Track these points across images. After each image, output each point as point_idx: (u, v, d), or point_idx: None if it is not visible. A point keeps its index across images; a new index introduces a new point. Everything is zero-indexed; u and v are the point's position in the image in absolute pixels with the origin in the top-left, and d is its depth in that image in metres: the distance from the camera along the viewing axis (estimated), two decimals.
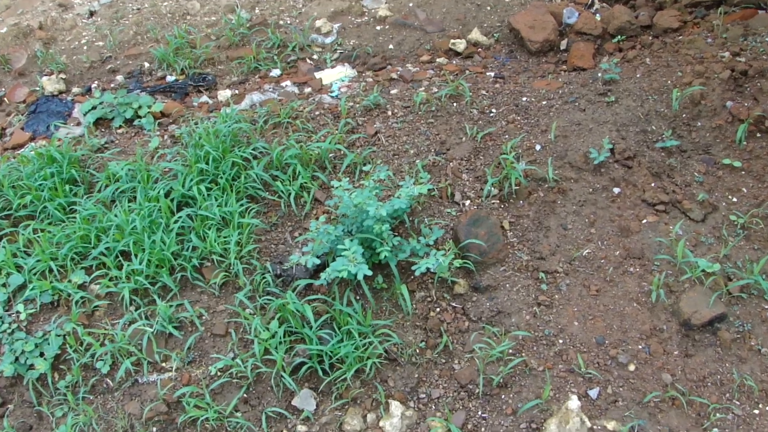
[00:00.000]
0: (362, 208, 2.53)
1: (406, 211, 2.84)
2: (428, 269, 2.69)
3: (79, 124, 3.22)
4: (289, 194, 3.19)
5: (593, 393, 2.23)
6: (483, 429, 2.20)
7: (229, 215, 2.96)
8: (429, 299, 2.75)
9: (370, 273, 2.32)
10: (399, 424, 2.10)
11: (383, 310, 2.69)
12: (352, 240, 2.48)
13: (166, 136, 3.88)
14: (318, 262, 2.51)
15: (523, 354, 2.42)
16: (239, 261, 2.85)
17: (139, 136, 3.26)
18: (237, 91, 4.05)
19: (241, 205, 3.04)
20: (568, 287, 2.97)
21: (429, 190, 3.16)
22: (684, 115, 2.82)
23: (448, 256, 2.57)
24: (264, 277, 2.79)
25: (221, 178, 3.03)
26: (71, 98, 3.35)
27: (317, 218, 3.27)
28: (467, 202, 3.13)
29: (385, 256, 2.57)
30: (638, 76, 3.02)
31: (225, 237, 2.88)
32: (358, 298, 2.70)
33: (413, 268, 2.44)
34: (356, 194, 2.54)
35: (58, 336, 2.40)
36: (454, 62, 3.44)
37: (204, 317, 2.68)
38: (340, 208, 2.65)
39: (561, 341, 2.53)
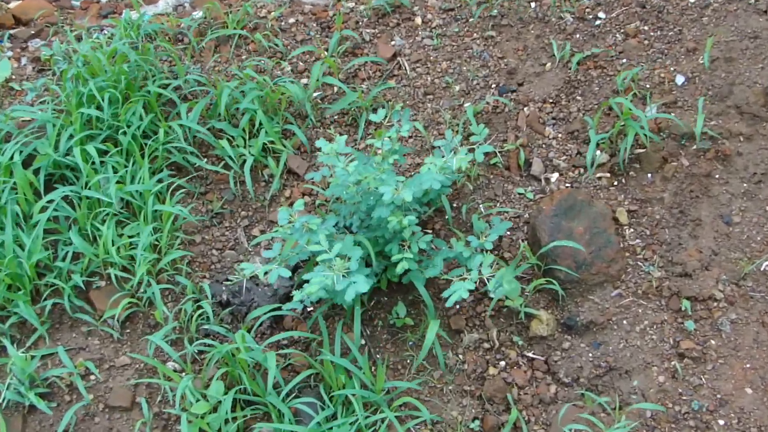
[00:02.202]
0: (369, 187, 2.52)
1: (446, 193, 2.93)
2: (482, 294, 2.85)
3: None
4: (243, 162, 3.37)
5: None
6: None
7: (139, 199, 3.04)
8: (487, 345, 2.80)
9: (366, 289, 2.21)
10: None
11: (406, 363, 2.75)
12: (348, 238, 2.45)
13: (24, 60, 3.71)
14: (286, 274, 2.43)
15: None
16: (155, 279, 2.89)
17: None
18: None
19: (160, 181, 3.14)
20: (733, 326, 2.84)
21: (487, 155, 3.30)
22: None
23: (516, 269, 2.67)
24: (199, 307, 2.83)
25: (123, 134, 3.08)
26: None
27: (291, 204, 3.32)
28: (554, 177, 3.26)
29: (407, 271, 2.64)
30: None
31: (131, 237, 2.92)
32: (364, 342, 2.75)
33: (455, 291, 2.38)
34: (359, 164, 2.53)
35: None
36: None
37: (93, 377, 2.66)
38: (332, 186, 2.62)
39: (722, 421, 2.53)
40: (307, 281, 2.77)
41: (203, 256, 3.19)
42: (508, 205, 3.22)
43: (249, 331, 2.77)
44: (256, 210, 3.32)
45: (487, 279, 2.52)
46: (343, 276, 2.27)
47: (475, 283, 2.49)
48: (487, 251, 2.93)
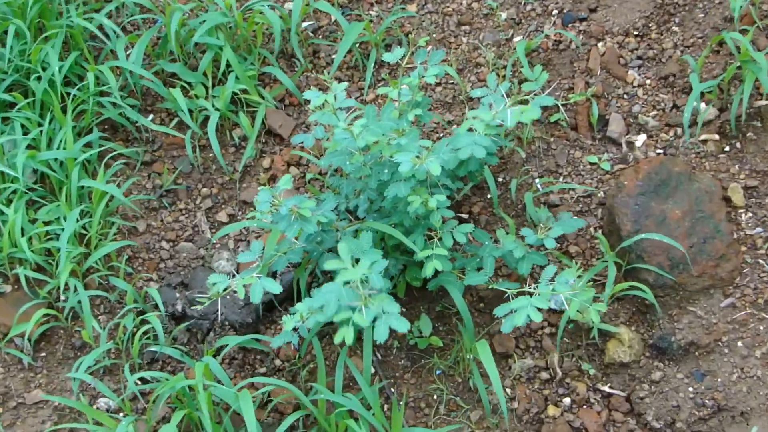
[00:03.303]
0: (382, 155, 2.57)
1: (492, 164, 2.96)
2: (543, 310, 2.63)
3: None
4: (205, 120, 3.39)
5: None
6: None
7: (60, 171, 3.12)
8: (545, 375, 2.90)
9: (404, 329, 2.21)
10: None
11: (432, 401, 2.85)
12: (359, 233, 2.55)
13: None
14: (277, 289, 2.42)
15: None
16: (82, 282, 2.94)
17: None
18: None
19: (89, 146, 3.23)
20: None
21: (546, 110, 3.31)
22: None
23: (586, 273, 2.74)
24: (144, 322, 2.90)
25: (36, 80, 3.20)
26: None
27: (271, 178, 3.31)
28: (639, 140, 3.22)
29: (436, 273, 2.69)
30: None
31: (48, 224, 3.01)
32: (374, 370, 2.86)
33: (519, 310, 2.39)
34: (367, 122, 2.54)
35: None
36: None
37: None
38: (328, 154, 2.68)
39: None
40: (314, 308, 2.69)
41: (149, 251, 3.13)
42: (575, 180, 3.14)
43: (215, 356, 2.76)
44: (223, 186, 3.27)
45: (567, 302, 2.44)
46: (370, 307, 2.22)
47: (549, 301, 2.42)
48: (548, 250, 2.80)
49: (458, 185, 2.97)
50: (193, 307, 2.80)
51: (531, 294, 2.42)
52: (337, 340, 2.20)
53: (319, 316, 2.34)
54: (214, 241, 3.12)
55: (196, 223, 3.19)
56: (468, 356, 2.81)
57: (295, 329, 2.69)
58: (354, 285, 2.24)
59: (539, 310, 2.35)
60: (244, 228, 3.14)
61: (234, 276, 2.50)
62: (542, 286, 2.45)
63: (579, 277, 2.66)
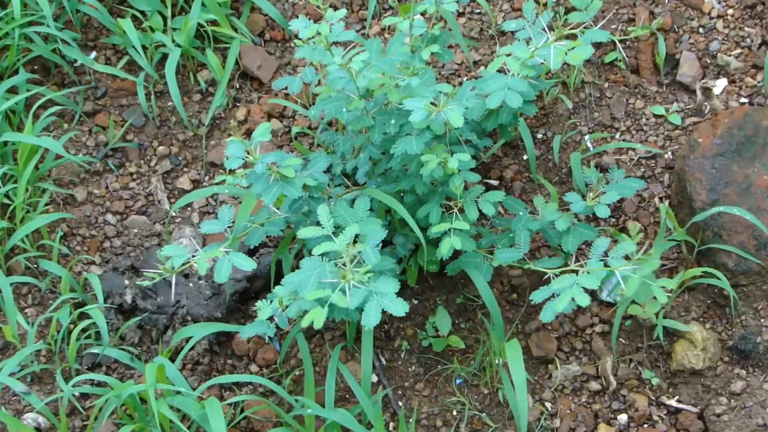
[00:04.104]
0: (388, 102, 2.64)
1: (529, 115, 2.98)
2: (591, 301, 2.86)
3: None
4: (163, 59, 3.40)
5: None
6: None
7: None
8: (596, 384, 2.94)
9: (402, 311, 2.31)
10: None
11: (450, 417, 2.88)
12: (361, 200, 2.54)
13: None
14: (249, 266, 2.48)
15: None
16: (3, 266, 2.99)
17: None
18: None
19: (13, 91, 3.24)
20: None
21: (598, 48, 3.35)
22: None
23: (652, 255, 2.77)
24: (83, 316, 2.94)
25: None
26: None
27: (247, 132, 3.38)
28: (719, 86, 3.24)
29: (456, 253, 2.73)
30: None
31: None
32: (377, 378, 2.92)
33: (560, 295, 2.41)
34: (369, 59, 2.59)
35: None
36: None
37: None
38: (320, 102, 2.74)
39: None
40: (290, 295, 2.66)
41: (90, 226, 3.12)
42: (636, 138, 3.14)
43: (173, 359, 2.77)
44: (185, 144, 3.26)
45: (624, 279, 2.42)
46: (357, 284, 2.30)
47: (601, 283, 2.42)
48: (599, 226, 2.88)
49: (486, 142, 2.94)
50: (140, 282, 2.76)
51: (577, 272, 2.41)
52: (304, 322, 2.22)
53: (303, 302, 2.36)
54: (174, 214, 3.11)
55: (151, 191, 3.17)
56: (497, 361, 2.79)
57: (272, 320, 2.68)
58: (340, 262, 2.29)
59: (587, 292, 2.35)
60: (212, 197, 3.13)
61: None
62: (592, 261, 2.43)
63: (642, 249, 2.62)
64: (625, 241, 2.56)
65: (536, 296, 2.44)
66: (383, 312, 2.30)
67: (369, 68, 2.53)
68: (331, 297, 2.24)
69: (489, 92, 2.51)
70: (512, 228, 2.72)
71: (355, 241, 2.35)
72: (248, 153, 2.43)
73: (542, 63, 2.55)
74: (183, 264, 2.42)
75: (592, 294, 2.91)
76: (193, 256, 2.46)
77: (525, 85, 2.51)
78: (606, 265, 2.41)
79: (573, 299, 2.32)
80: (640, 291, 2.49)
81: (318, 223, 2.37)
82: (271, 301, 2.53)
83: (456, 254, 2.71)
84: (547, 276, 2.50)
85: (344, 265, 2.29)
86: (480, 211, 2.64)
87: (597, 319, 2.91)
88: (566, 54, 2.46)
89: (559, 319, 2.93)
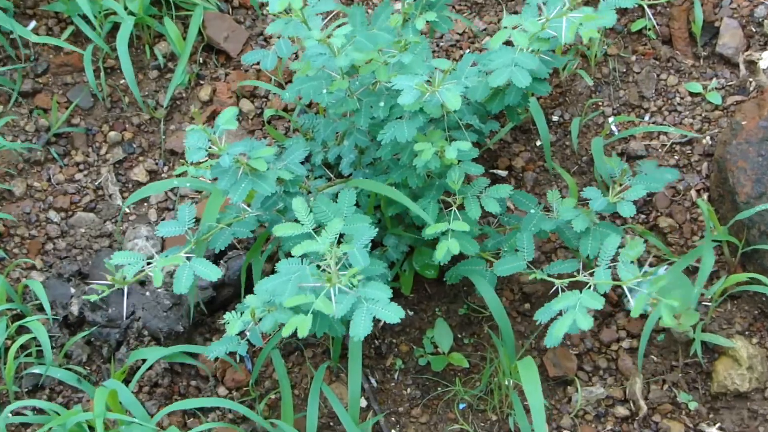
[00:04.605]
0: (377, 81, 2.65)
1: (541, 95, 3.00)
2: (613, 303, 2.90)
3: None
4: (113, 28, 3.38)
5: None
6: None
7: None
8: (623, 409, 2.92)
9: (396, 318, 2.31)
10: None
11: None
12: (345, 194, 2.56)
13: None
14: (216, 275, 2.48)
15: None
16: None
17: None
18: None
19: None
20: None
21: (623, 14, 3.37)
22: None
23: (682, 258, 2.83)
24: (21, 330, 2.93)
25: None
26: None
27: (211, 115, 3.38)
28: (765, 59, 3.26)
29: (455, 259, 2.69)
30: None
31: None
32: (367, 403, 2.93)
33: (566, 313, 2.42)
34: (352, 32, 2.61)
35: None
36: None
37: None
38: (296, 81, 2.74)
39: None
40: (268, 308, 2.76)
41: (30, 225, 3.11)
42: (669, 120, 3.13)
43: (127, 381, 2.79)
44: (141, 129, 3.25)
45: (629, 290, 2.42)
46: (344, 287, 2.32)
47: (607, 296, 2.41)
48: (622, 226, 2.79)
49: (492, 126, 2.93)
50: (87, 296, 2.73)
51: (587, 284, 2.41)
52: (285, 332, 2.21)
53: (280, 313, 2.36)
54: (127, 210, 3.10)
55: (101, 184, 3.16)
56: (506, 382, 2.77)
57: (242, 334, 2.66)
58: (324, 265, 2.30)
59: (603, 296, 2.35)
60: (172, 191, 3.11)
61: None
62: (600, 271, 2.42)
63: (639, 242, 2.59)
64: (634, 241, 2.52)
65: (540, 316, 2.42)
66: (374, 324, 2.29)
67: (353, 44, 2.52)
68: (315, 303, 2.22)
69: (493, 69, 2.51)
70: (522, 228, 2.71)
71: (339, 243, 2.35)
72: (212, 143, 2.41)
73: (556, 36, 2.53)
74: (136, 274, 2.41)
75: (617, 303, 2.94)
76: (149, 263, 2.45)
77: (536, 60, 2.51)
78: (615, 278, 2.40)
79: (575, 321, 2.32)
80: (674, 307, 2.47)
81: (296, 220, 2.37)
82: (242, 313, 2.52)
83: (456, 259, 2.69)
84: (556, 287, 2.48)
85: (329, 267, 2.28)
86: (483, 208, 2.62)
87: (624, 333, 2.89)
88: (580, 26, 2.45)
89: (581, 334, 2.93)
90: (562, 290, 2.43)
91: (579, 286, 2.41)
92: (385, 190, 2.57)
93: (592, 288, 2.37)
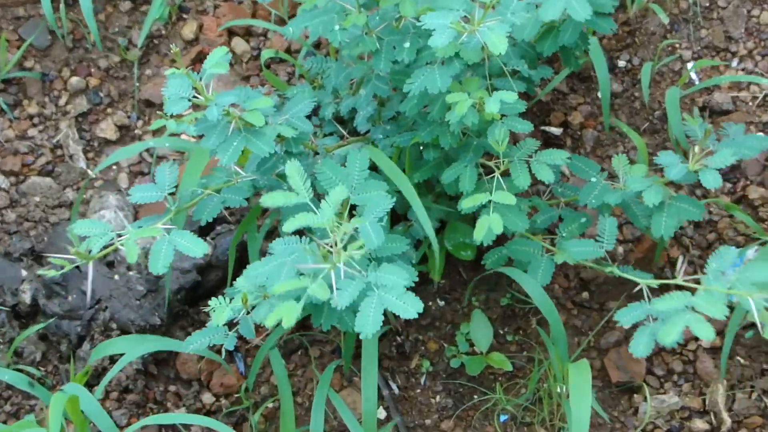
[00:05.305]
0: (400, 18, 2.68)
1: (602, 34, 2.90)
2: None
3: None
4: None
5: None
6: None
7: None
8: (703, 424, 2.92)
9: (414, 313, 2.28)
10: None
11: None
12: (353, 155, 2.53)
13: None
14: (203, 250, 2.46)
15: None
16: None
17: None
18: None
19: None
20: None
21: None
22: None
23: None
24: None
25: None
26: None
27: (198, 58, 3.41)
28: None
29: (499, 239, 2.72)
30: None
31: None
32: (386, 412, 2.96)
33: (630, 313, 2.47)
34: None
35: None
36: None
37: None
38: (301, 13, 2.77)
39: None
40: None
41: None
42: (762, 67, 3.12)
43: (91, 385, 2.80)
44: (109, 74, 3.27)
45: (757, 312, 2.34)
46: (350, 271, 2.30)
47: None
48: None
49: (544, 73, 2.93)
50: (52, 298, 2.81)
51: (688, 290, 2.33)
52: (268, 322, 2.19)
53: (276, 300, 2.31)
54: (94, 176, 3.09)
55: (60, 142, 3.16)
56: (558, 389, 2.76)
57: (231, 325, 2.63)
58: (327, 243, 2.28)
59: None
60: (147, 151, 3.13)
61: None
62: (709, 278, 2.35)
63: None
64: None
65: (623, 317, 2.39)
66: (395, 316, 2.30)
67: None
68: (309, 288, 2.19)
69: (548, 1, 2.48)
70: (580, 200, 2.70)
71: (351, 215, 2.34)
72: (197, 91, 2.39)
73: None
74: (104, 247, 2.39)
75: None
76: (120, 236, 2.42)
77: None
78: (730, 287, 2.32)
79: (690, 328, 2.24)
80: None
81: (291, 188, 2.36)
82: (231, 300, 2.49)
83: (500, 239, 2.67)
84: (639, 286, 2.45)
85: (333, 246, 2.27)
86: (533, 175, 2.60)
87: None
88: None
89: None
90: (648, 293, 2.41)
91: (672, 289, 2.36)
92: (396, 178, 2.53)
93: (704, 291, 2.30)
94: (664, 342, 2.23)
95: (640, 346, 2.29)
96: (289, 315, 2.13)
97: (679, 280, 2.36)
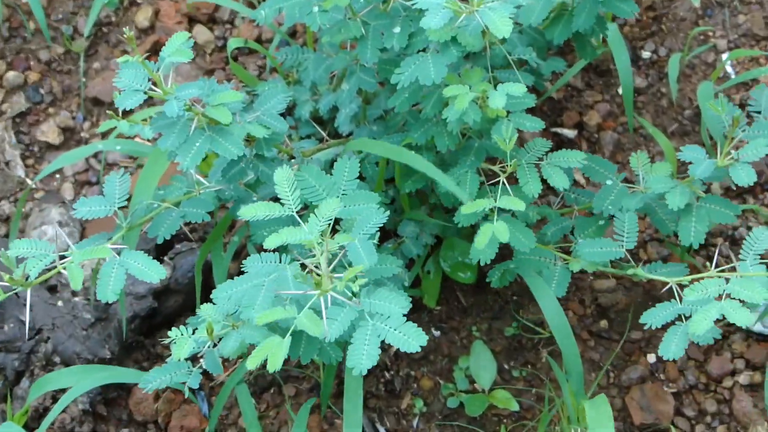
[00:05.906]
0: None
1: (622, 18, 2.91)
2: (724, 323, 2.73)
3: None
4: None
5: None
6: None
7: None
8: None
9: (416, 347, 2.26)
10: None
11: None
12: (338, 157, 2.56)
13: None
14: (160, 275, 2.45)
15: None
16: None
17: None
18: None
19: None
20: None
21: None
22: None
23: None
24: None
25: None
26: None
27: (155, 53, 3.43)
28: None
29: (501, 248, 2.71)
30: None
31: None
32: None
33: (658, 313, 2.51)
34: None
35: None
36: None
37: None
38: None
39: None
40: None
41: None
42: None
43: (30, 429, 2.80)
44: (51, 68, 3.28)
45: None
46: (339, 297, 2.26)
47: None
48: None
49: (555, 65, 2.95)
50: None
51: (723, 279, 2.35)
52: (250, 363, 2.16)
53: (248, 330, 2.33)
54: (34, 186, 3.10)
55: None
56: (573, 430, 2.72)
57: (195, 359, 2.62)
58: (312, 264, 2.25)
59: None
60: (95, 156, 3.13)
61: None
62: (746, 264, 2.37)
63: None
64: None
65: (650, 318, 2.39)
66: (384, 349, 2.31)
67: None
68: (297, 320, 2.17)
69: None
70: (595, 206, 2.69)
71: (334, 231, 2.32)
72: (154, 83, 2.39)
73: None
74: (45, 271, 2.38)
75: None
76: (62, 258, 2.41)
77: None
78: None
79: (723, 318, 2.26)
80: None
81: (275, 199, 2.33)
82: (194, 330, 2.47)
83: (503, 254, 2.67)
84: (666, 288, 2.46)
85: (319, 266, 2.24)
86: (543, 180, 2.60)
87: (741, 363, 2.87)
88: None
89: (679, 364, 2.92)
90: (679, 292, 2.40)
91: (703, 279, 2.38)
92: (400, 155, 2.54)
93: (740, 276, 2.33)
94: (694, 334, 2.25)
95: (671, 347, 2.31)
96: (275, 355, 2.10)
97: (713, 272, 2.35)
